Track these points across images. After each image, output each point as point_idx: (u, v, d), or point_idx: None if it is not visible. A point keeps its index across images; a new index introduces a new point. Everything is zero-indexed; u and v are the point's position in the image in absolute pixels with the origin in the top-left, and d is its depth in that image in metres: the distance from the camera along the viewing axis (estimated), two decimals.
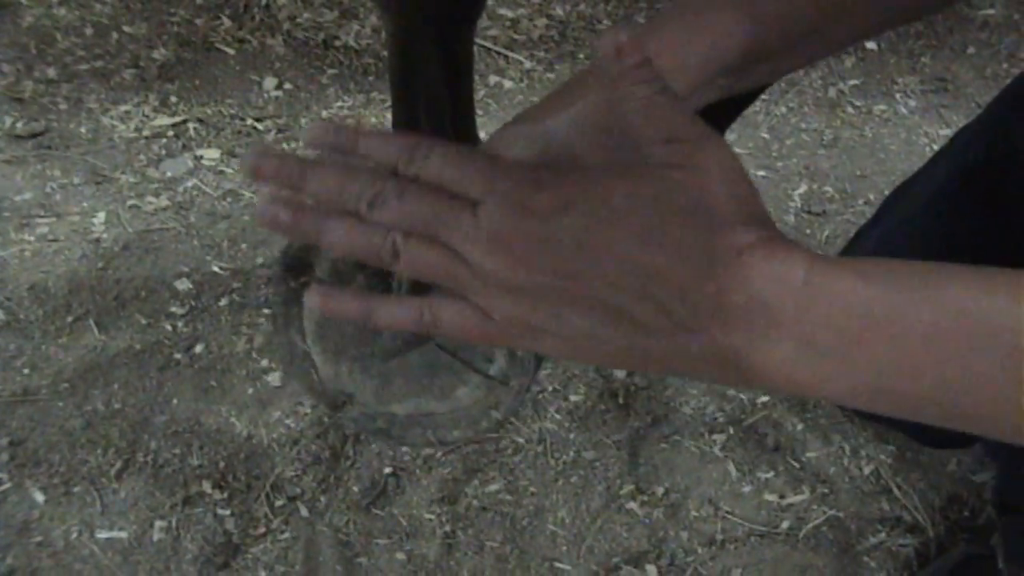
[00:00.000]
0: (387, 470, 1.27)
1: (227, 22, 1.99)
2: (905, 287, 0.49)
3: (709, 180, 0.52)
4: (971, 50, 2.11)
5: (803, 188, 1.75)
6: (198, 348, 1.39)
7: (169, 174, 1.68)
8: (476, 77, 1.89)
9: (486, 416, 0.65)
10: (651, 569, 1.19)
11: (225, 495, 1.24)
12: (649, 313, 0.51)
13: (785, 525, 1.24)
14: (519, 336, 0.55)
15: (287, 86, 1.89)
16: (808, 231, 1.66)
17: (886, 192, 1.15)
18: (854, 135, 1.89)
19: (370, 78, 1.93)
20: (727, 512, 1.25)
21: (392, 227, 0.54)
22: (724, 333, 0.50)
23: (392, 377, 0.65)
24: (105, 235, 1.55)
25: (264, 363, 1.37)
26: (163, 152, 1.72)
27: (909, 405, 0.50)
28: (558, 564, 1.20)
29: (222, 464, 1.27)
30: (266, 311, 1.43)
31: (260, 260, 1.51)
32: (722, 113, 0.83)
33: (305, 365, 0.69)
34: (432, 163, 0.55)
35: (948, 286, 0.49)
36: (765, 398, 1.37)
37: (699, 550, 1.21)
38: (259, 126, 1.80)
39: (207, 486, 1.24)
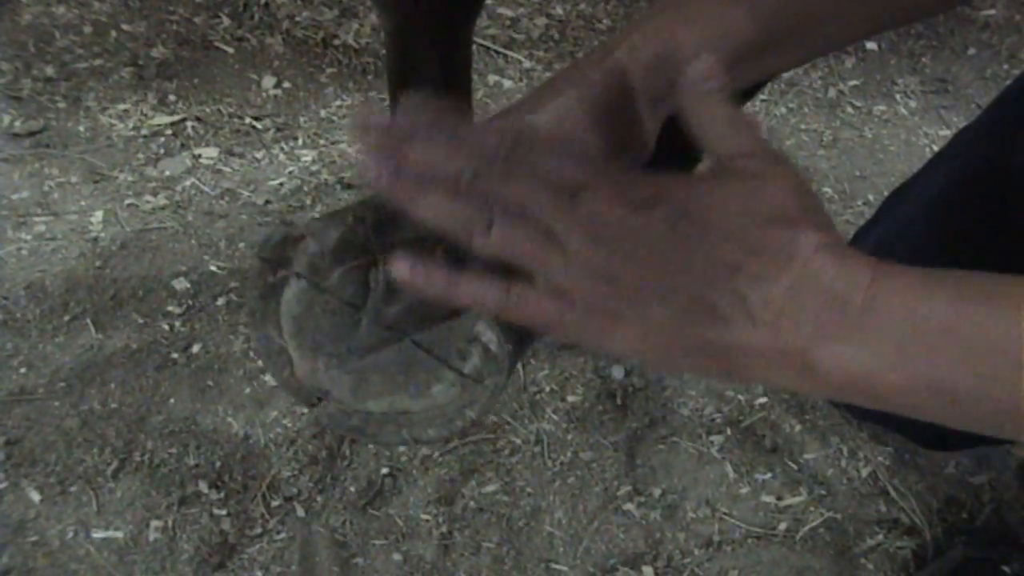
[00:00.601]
0: (384, 471, 1.27)
1: (226, 20, 1.98)
2: (968, 295, 0.52)
3: (783, 190, 0.56)
4: (972, 51, 2.10)
5: None
6: (195, 348, 1.39)
7: (167, 173, 1.68)
8: (475, 76, 1.89)
9: (460, 415, 0.65)
10: (648, 570, 1.19)
11: (221, 495, 1.24)
12: (728, 304, 0.53)
13: (782, 527, 1.24)
14: (596, 325, 0.56)
15: (286, 85, 1.89)
16: None
17: (886, 193, 1.15)
18: (854, 136, 1.89)
19: (369, 77, 1.93)
20: (724, 513, 1.25)
21: (490, 204, 0.56)
22: (794, 326, 0.53)
23: (368, 374, 0.64)
24: (103, 234, 1.55)
25: (261, 363, 1.37)
26: (161, 151, 1.72)
27: (962, 410, 0.52)
28: (554, 565, 1.20)
29: (218, 464, 1.26)
30: None
31: None
32: None
33: (281, 360, 0.69)
34: (533, 152, 0.57)
35: (1007, 296, 0.51)
36: (763, 399, 1.36)
37: (696, 551, 1.21)
38: (258, 125, 1.80)
39: (203, 486, 1.24)
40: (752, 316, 0.53)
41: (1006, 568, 1.11)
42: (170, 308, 1.44)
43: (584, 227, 0.55)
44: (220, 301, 1.45)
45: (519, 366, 1.39)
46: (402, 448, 1.29)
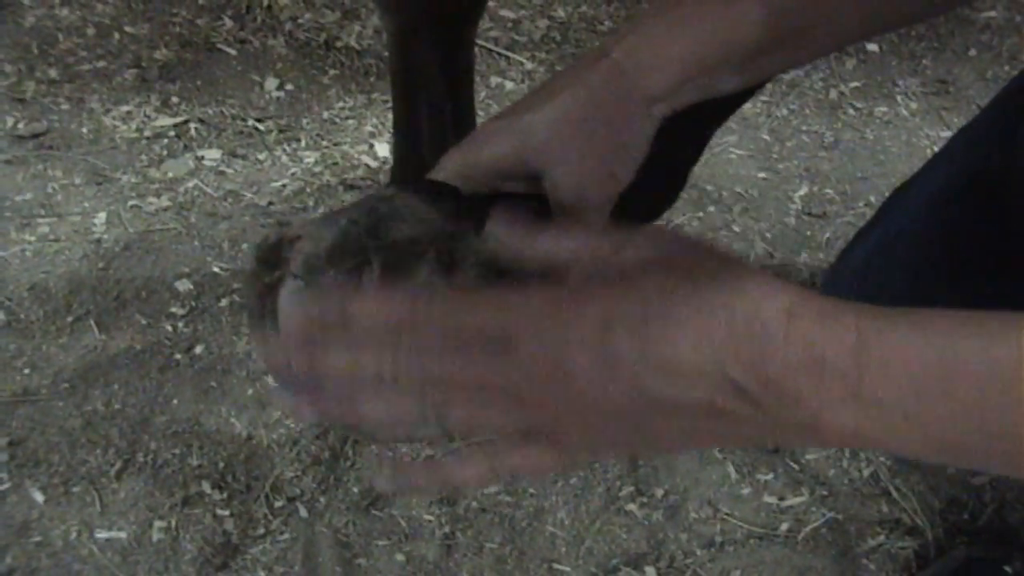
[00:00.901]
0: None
1: (229, 23, 1.99)
2: (960, 341, 0.49)
3: (724, 266, 0.53)
4: (972, 52, 2.11)
5: (804, 190, 1.75)
6: (198, 349, 1.39)
7: (170, 174, 1.68)
8: (477, 78, 1.89)
9: None
10: (650, 571, 1.19)
11: (224, 495, 1.24)
12: (732, 399, 0.51)
13: (784, 527, 1.24)
14: (597, 452, 0.57)
15: (288, 87, 1.89)
16: (808, 233, 1.66)
17: (887, 194, 1.15)
18: (855, 137, 1.89)
19: (371, 79, 1.93)
20: (726, 514, 1.25)
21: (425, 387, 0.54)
22: (794, 403, 0.50)
23: None
24: (106, 235, 1.55)
25: (261, 362, 1.37)
26: (164, 152, 1.73)
27: (971, 459, 0.51)
28: (557, 565, 1.20)
29: (222, 465, 1.27)
30: None
31: None
32: (708, 115, 0.83)
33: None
34: (435, 308, 0.54)
35: (1000, 336, 0.49)
36: None
37: (698, 552, 1.21)
38: (260, 127, 1.80)
39: (207, 486, 1.24)
40: (756, 402, 0.51)
41: (1008, 568, 1.11)
42: (173, 309, 1.44)
43: (534, 382, 0.52)
44: (223, 302, 1.45)
45: None
46: (403, 448, 1.29)
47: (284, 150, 1.76)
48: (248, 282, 0.70)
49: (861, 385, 0.49)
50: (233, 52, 1.94)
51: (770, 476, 1.29)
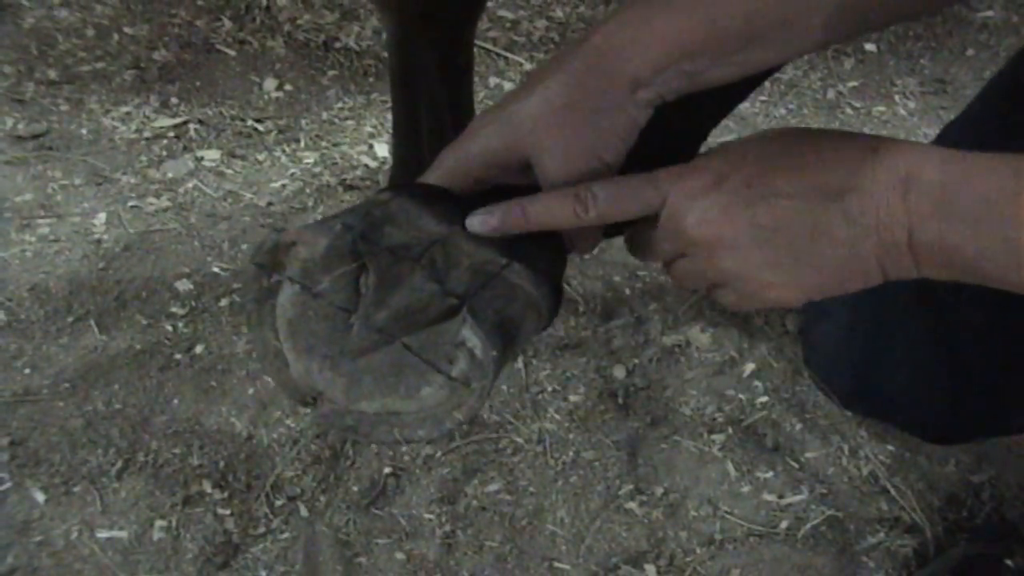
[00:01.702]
0: (387, 470, 1.27)
1: (228, 24, 1.99)
2: None
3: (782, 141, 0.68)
4: (970, 52, 2.11)
5: None
6: (198, 348, 1.39)
7: (170, 175, 1.68)
8: (476, 78, 1.90)
9: (450, 416, 0.67)
10: (650, 569, 1.19)
11: (225, 495, 1.24)
12: (839, 225, 0.64)
13: (784, 525, 1.24)
14: (749, 300, 0.71)
15: (288, 87, 1.89)
16: None
17: None
18: None
19: (370, 79, 1.93)
20: (726, 512, 1.25)
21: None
22: (889, 216, 0.62)
23: (361, 376, 0.66)
24: (106, 236, 1.55)
25: (258, 364, 1.37)
26: (164, 153, 1.73)
27: None
28: (557, 564, 1.20)
29: (222, 464, 1.27)
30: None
31: None
32: (702, 109, 0.83)
33: (277, 362, 0.70)
34: (602, 200, 0.69)
35: None
36: (764, 398, 1.37)
37: (698, 550, 1.22)
38: (260, 127, 1.80)
39: (207, 486, 1.24)
40: (862, 224, 0.63)
41: (1009, 563, 1.11)
42: (173, 309, 1.44)
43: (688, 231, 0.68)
44: (223, 302, 1.45)
45: (523, 367, 1.39)
46: (404, 448, 1.29)
47: (283, 150, 1.76)
48: (247, 286, 0.71)
49: (944, 198, 0.60)
50: (232, 53, 1.94)
51: (770, 474, 1.29)
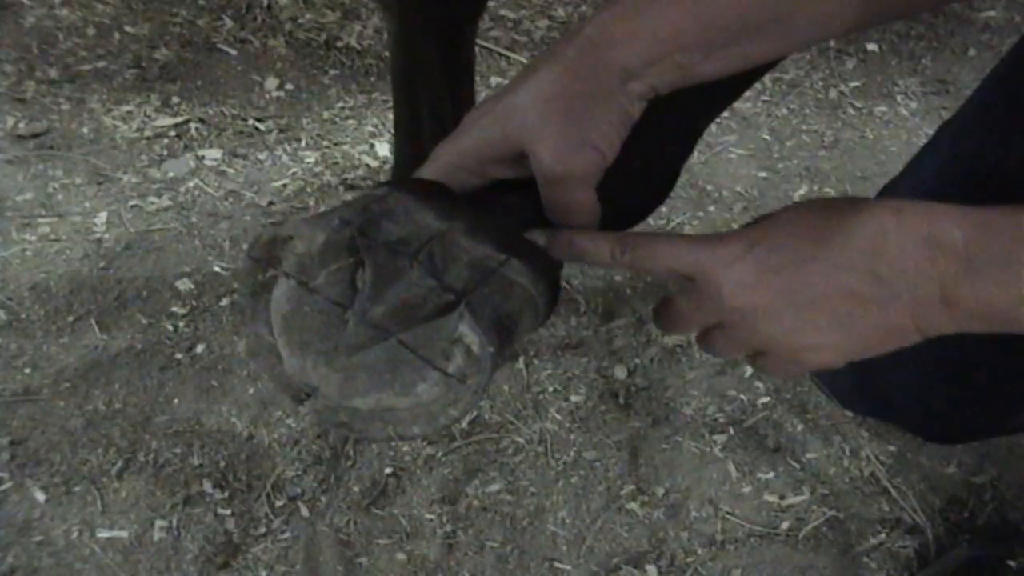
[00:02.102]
0: (387, 470, 1.27)
1: (229, 22, 1.99)
2: None
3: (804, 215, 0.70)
4: (972, 52, 2.11)
5: (804, 189, 1.75)
6: (199, 348, 1.39)
7: (171, 174, 1.68)
8: (477, 78, 1.89)
9: (444, 413, 0.66)
10: (651, 569, 1.19)
11: (226, 495, 1.24)
12: (869, 286, 0.65)
13: (785, 526, 1.24)
14: (791, 368, 0.73)
15: (289, 87, 1.89)
16: None
17: None
18: (855, 136, 1.90)
19: (372, 79, 1.93)
20: (727, 512, 1.25)
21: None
22: (918, 276, 0.64)
23: (355, 372, 0.65)
24: (107, 235, 1.55)
25: (250, 360, 1.37)
26: (165, 152, 1.73)
27: None
28: (558, 564, 1.20)
29: (223, 464, 1.27)
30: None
31: None
32: (697, 104, 0.83)
33: (271, 357, 0.70)
34: (640, 247, 0.71)
35: None
36: (766, 399, 1.37)
37: (699, 551, 1.22)
38: (261, 126, 1.80)
39: (208, 486, 1.24)
40: (893, 286, 0.64)
41: (1011, 563, 1.11)
42: (174, 309, 1.44)
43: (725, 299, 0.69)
44: (224, 302, 1.45)
45: (524, 367, 1.39)
46: (404, 447, 1.29)
47: (284, 150, 1.76)
48: (241, 281, 0.71)
49: (969, 253, 0.62)
50: (233, 52, 1.94)
51: (771, 475, 1.29)
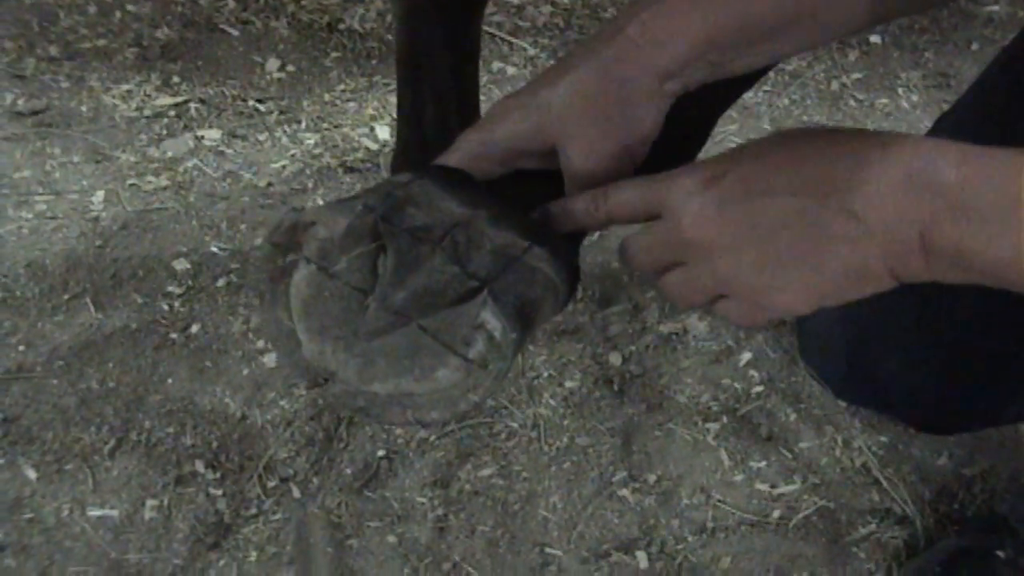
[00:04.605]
0: (380, 453, 1.27)
1: (231, 3, 1.99)
2: None
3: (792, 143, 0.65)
4: (975, 46, 2.10)
5: None
6: (194, 328, 1.39)
7: (169, 154, 1.68)
8: (480, 63, 1.89)
9: (464, 398, 0.66)
10: (641, 556, 1.20)
11: (218, 475, 1.24)
12: (842, 224, 0.59)
13: (776, 514, 1.24)
14: (748, 309, 0.67)
15: (290, 68, 1.89)
16: None
17: None
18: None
19: (373, 62, 1.93)
20: (719, 500, 1.25)
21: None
22: (898, 215, 0.58)
23: (374, 357, 0.65)
24: (104, 214, 1.55)
25: (260, 344, 1.37)
26: (164, 132, 1.73)
27: None
28: (549, 549, 1.20)
29: (215, 444, 1.27)
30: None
31: (258, 241, 1.51)
32: (715, 97, 0.83)
33: (290, 343, 0.70)
34: (611, 200, 0.69)
35: None
36: (759, 388, 1.37)
37: (690, 538, 1.22)
38: (261, 107, 1.80)
39: (200, 466, 1.24)
40: (867, 222, 0.58)
41: (1000, 554, 1.11)
42: (170, 288, 1.44)
43: (687, 227, 0.65)
44: (220, 282, 1.45)
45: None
46: (400, 429, 1.29)
47: (284, 131, 1.76)
48: (261, 265, 0.71)
49: (963, 199, 0.55)
50: (235, 33, 1.93)
51: (763, 464, 1.29)
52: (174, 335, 1.38)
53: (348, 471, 1.26)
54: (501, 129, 0.73)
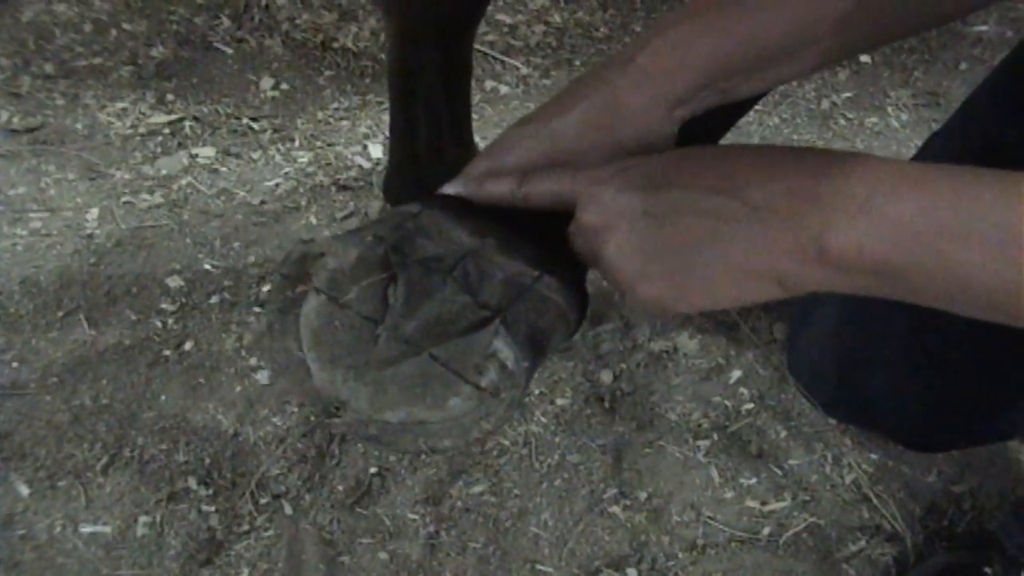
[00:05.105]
0: (372, 470, 1.28)
1: (226, 22, 1.99)
2: (968, 182, 0.52)
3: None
4: (963, 66, 2.12)
5: None
6: (187, 345, 1.39)
7: (164, 171, 1.69)
8: (472, 82, 1.90)
9: (476, 426, 0.66)
10: (632, 572, 1.20)
11: (210, 492, 1.24)
12: (742, 215, 0.58)
13: (766, 531, 1.25)
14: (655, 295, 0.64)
15: (284, 86, 1.90)
16: None
17: None
18: (846, 147, 1.90)
19: (367, 80, 1.94)
20: (709, 517, 1.26)
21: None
22: (800, 219, 0.56)
23: (386, 386, 0.66)
24: (98, 231, 1.56)
25: (252, 361, 1.38)
26: (158, 149, 1.73)
27: (964, 290, 0.53)
28: (540, 566, 1.21)
29: (208, 461, 1.27)
30: (256, 310, 1.44)
31: (251, 259, 1.51)
32: (718, 121, 0.84)
33: (300, 372, 0.70)
34: (531, 182, 0.70)
35: (1010, 182, 0.52)
36: (749, 405, 1.37)
37: (680, 555, 1.22)
38: (255, 126, 1.81)
39: (192, 482, 1.25)
40: (761, 218, 0.57)
41: (988, 570, 1.12)
42: (163, 305, 1.44)
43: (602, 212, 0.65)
44: (213, 299, 1.46)
45: None
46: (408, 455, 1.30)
47: (278, 149, 1.76)
48: (271, 296, 0.71)
49: (871, 200, 0.53)
50: (230, 51, 1.94)
51: (753, 480, 1.30)
52: (167, 352, 1.38)
53: (340, 488, 1.26)
54: (512, 156, 0.74)
